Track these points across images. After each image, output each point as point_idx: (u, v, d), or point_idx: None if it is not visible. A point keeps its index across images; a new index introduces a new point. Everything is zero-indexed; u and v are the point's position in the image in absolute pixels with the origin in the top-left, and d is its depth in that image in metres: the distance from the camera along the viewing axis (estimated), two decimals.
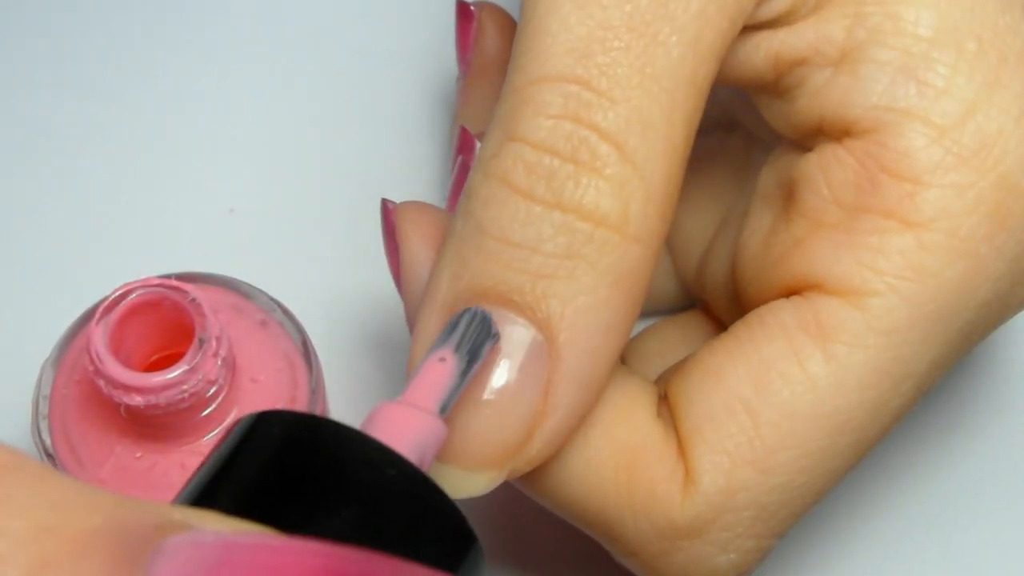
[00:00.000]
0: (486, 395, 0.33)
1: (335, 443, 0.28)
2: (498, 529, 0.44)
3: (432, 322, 0.34)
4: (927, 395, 0.36)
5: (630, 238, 0.33)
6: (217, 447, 0.28)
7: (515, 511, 0.43)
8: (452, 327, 0.33)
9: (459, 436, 0.33)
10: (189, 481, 0.27)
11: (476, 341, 0.33)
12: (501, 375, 0.33)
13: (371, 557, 0.23)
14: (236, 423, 0.28)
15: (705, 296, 0.42)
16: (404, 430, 0.30)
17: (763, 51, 0.36)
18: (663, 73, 0.33)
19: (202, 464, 0.28)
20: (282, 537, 0.23)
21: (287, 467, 0.27)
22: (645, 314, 0.46)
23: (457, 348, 0.33)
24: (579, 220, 0.33)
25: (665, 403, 0.36)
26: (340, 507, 0.26)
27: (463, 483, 0.34)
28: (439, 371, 0.32)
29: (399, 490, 0.27)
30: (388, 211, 0.38)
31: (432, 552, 0.27)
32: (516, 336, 0.33)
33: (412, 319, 0.37)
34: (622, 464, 0.35)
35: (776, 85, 0.36)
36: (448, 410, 0.32)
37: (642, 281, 0.34)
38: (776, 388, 0.35)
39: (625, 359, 0.43)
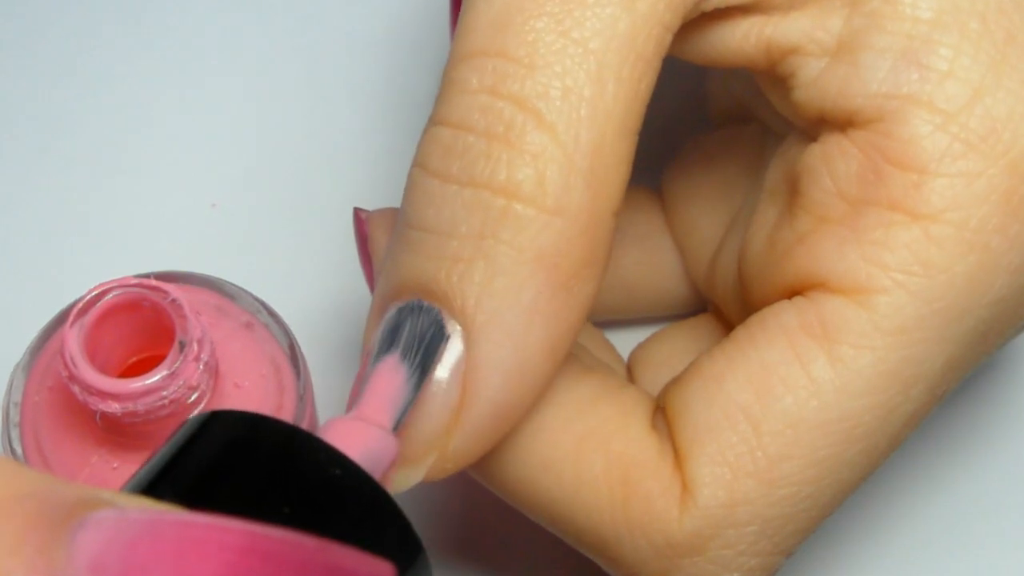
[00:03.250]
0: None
1: (281, 441, 0.28)
2: (493, 542, 0.45)
3: (371, 326, 0.34)
4: (944, 401, 0.36)
5: (549, 210, 0.33)
6: (164, 442, 0.29)
7: (507, 520, 0.43)
8: (396, 326, 0.33)
9: None
10: (134, 474, 0.28)
11: (429, 344, 0.33)
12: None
13: (296, 536, 0.24)
14: (185, 421, 0.29)
15: (716, 298, 0.42)
16: (354, 444, 0.30)
17: (753, 39, 0.36)
18: (591, 35, 0.33)
19: (148, 459, 0.28)
20: (209, 515, 0.24)
21: (231, 463, 0.28)
22: (655, 319, 0.46)
23: (405, 353, 0.32)
24: (492, 195, 0.33)
25: (662, 414, 0.36)
26: (280, 502, 0.27)
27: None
28: (392, 382, 0.32)
29: (343, 490, 0.28)
30: (360, 221, 0.39)
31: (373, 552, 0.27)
32: (434, 328, 0.33)
33: None
34: (616, 478, 0.35)
35: (772, 73, 0.36)
36: (402, 423, 0.32)
37: (574, 258, 0.33)
38: (778, 394, 0.35)
39: (632, 367, 0.43)
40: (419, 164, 0.34)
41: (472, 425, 0.33)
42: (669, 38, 0.34)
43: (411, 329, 0.33)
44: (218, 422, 0.29)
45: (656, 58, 0.34)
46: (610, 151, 0.33)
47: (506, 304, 0.33)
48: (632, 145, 0.34)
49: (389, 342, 0.33)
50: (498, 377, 0.33)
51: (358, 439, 0.31)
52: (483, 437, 0.34)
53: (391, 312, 0.33)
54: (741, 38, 0.36)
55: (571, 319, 0.34)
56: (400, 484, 0.34)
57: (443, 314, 0.33)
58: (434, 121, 0.34)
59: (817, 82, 0.35)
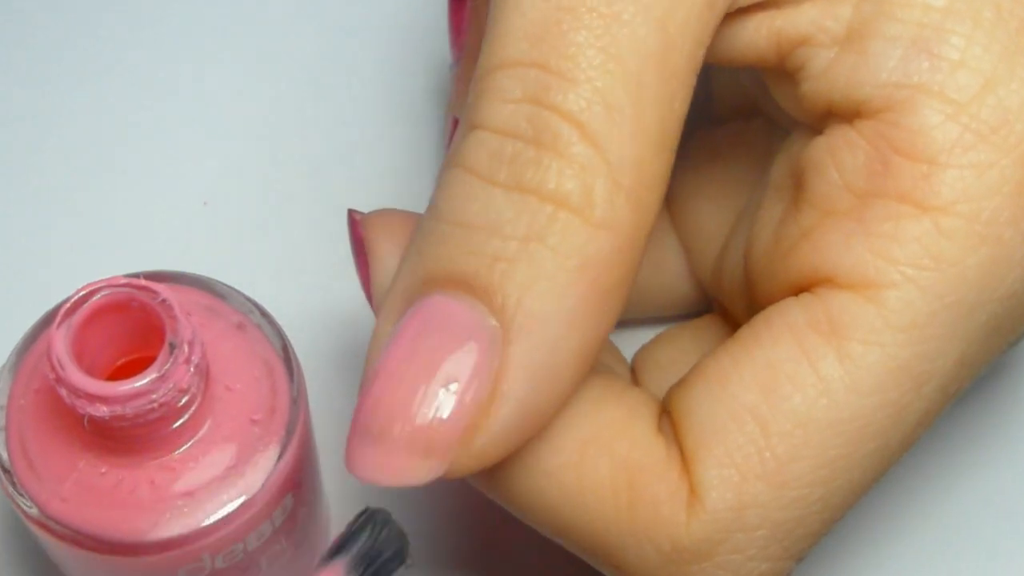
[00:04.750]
0: (432, 382, 0.33)
1: None
2: (495, 554, 0.45)
3: (391, 316, 0.34)
4: (958, 399, 0.36)
5: (595, 223, 0.33)
6: None
7: (508, 535, 0.43)
8: (354, 534, 0.33)
9: (397, 416, 0.33)
10: None
11: (384, 564, 0.32)
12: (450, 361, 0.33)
13: None
14: None
15: (722, 297, 0.42)
16: None
17: (764, 31, 0.36)
18: (627, 53, 0.33)
19: None
20: None
21: None
22: (659, 319, 0.46)
23: (355, 565, 0.32)
24: (540, 201, 0.33)
25: (667, 417, 0.36)
26: None
27: (396, 468, 0.34)
28: None
29: None
30: (355, 222, 0.38)
31: None
32: (469, 321, 0.33)
33: None
34: (621, 483, 0.35)
35: (781, 67, 0.36)
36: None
37: (614, 273, 0.34)
38: (786, 393, 0.34)
39: (636, 369, 0.43)
40: (460, 165, 0.34)
41: (500, 424, 0.34)
42: (702, 53, 0.34)
43: (367, 540, 0.33)
44: None
45: (690, 74, 0.34)
46: (648, 170, 0.34)
47: (547, 308, 0.33)
48: (668, 163, 0.34)
49: (347, 547, 0.33)
50: (531, 379, 0.33)
51: None
52: (508, 438, 0.34)
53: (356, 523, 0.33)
54: (752, 32, 0.36)
55: (600, 332, 0.34)
56: (421, 476, 0.34)
57: (407, 540, 0.33)
58: (474, 125, 0.34)
59: (826, 72, 0.35)
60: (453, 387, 0.33)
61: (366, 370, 0.34)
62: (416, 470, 0.34)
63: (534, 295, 0.33)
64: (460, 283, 0.33)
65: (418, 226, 0.35)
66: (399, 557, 0.32)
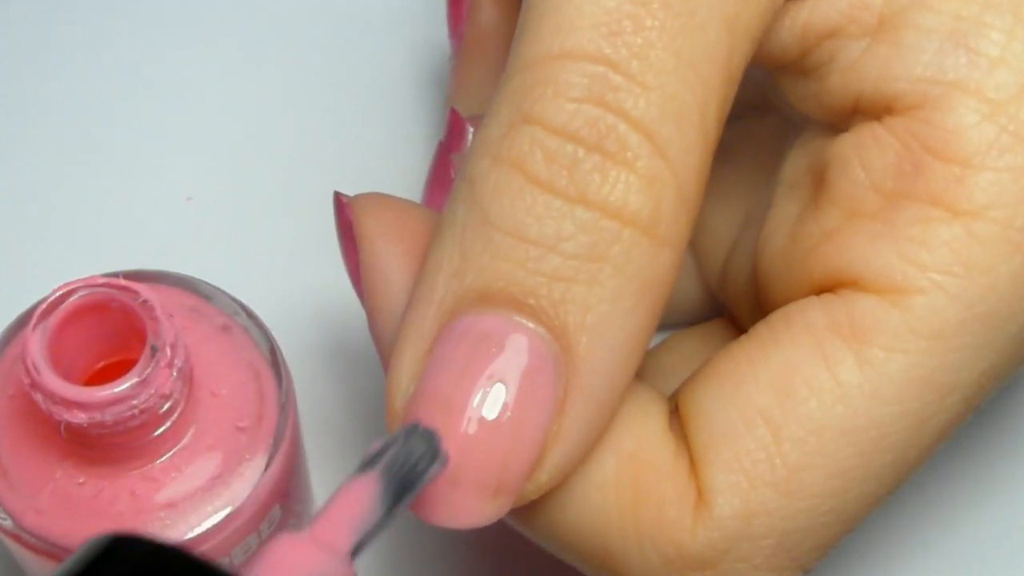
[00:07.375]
0: (496, 412, 0.33)
1: None
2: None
3: (428, 325, 0.34)
4: (978, 410, 0.36)
5: (659, 241, 0.33)
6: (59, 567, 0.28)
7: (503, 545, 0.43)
8: (390, 443, 0.32)
9: (466, 457, 0.33)
10: None
11: (415, 465, 0.32)
12: (513, 390, 0.33)
13: None
14: (83, 544, 0.28)
15: (729, 301, 0.42)
16: (296, 570, 0.29)
17: (788, 23, 0.35)
18: (699, 57, 0.33)
19: None
20: None
21: None
22: (665, 324, 0.46)
23: (385, 472, 0.32)
24: (605, 218, 0.32)
25: (677, 416, 0.36)
26: None
27: (467, 510, 0.33)
28: (360, 501, 0.32)
29: None
30: (342, 205, 0.38)
31: None
32: (530, 345, 0.33)
33: (376, 326, 0.36)
34: (627, 481, 0.35)
35: (802, 63, 0.36)
36: (363, 550, 0.31)
37: (667, 291, 0.33)
38: (801, 398, 0.34)
39: (641, 374, 0.43)
40: (512, 164, 0.33)
41: (563, 456, 0.34)
42: (753, 50, 0.34)
43: (398, 448, 0.32)
44: (118, 552, 0.28)
45: (742, 73, 0.34)
46: (705, 177, 0.34)
47: (610, 334, 0.33)
48: (711, 164, 0.34)
49: (379, 457, 0.33)
50: (594, 409, 0.33)
51: (302, 564, 0.30)
52: (566, 469, 0.34)
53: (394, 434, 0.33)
54: (776, 26, 0.35)
55: (647, 346, 0.34)
56: (492, 516, 0.34)
57: (439, 438, 0.32)
58: (527, 119, 0.33)
59: (856, 65, 0.35)
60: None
61: (393, 381, 0.34)
62: (487, 510, 0.33)
63: (596, 319, 0.33)
64: (515, 301, 0.33)
65: (450, 222, 0.34)
66: (433, 455, 0.32)
